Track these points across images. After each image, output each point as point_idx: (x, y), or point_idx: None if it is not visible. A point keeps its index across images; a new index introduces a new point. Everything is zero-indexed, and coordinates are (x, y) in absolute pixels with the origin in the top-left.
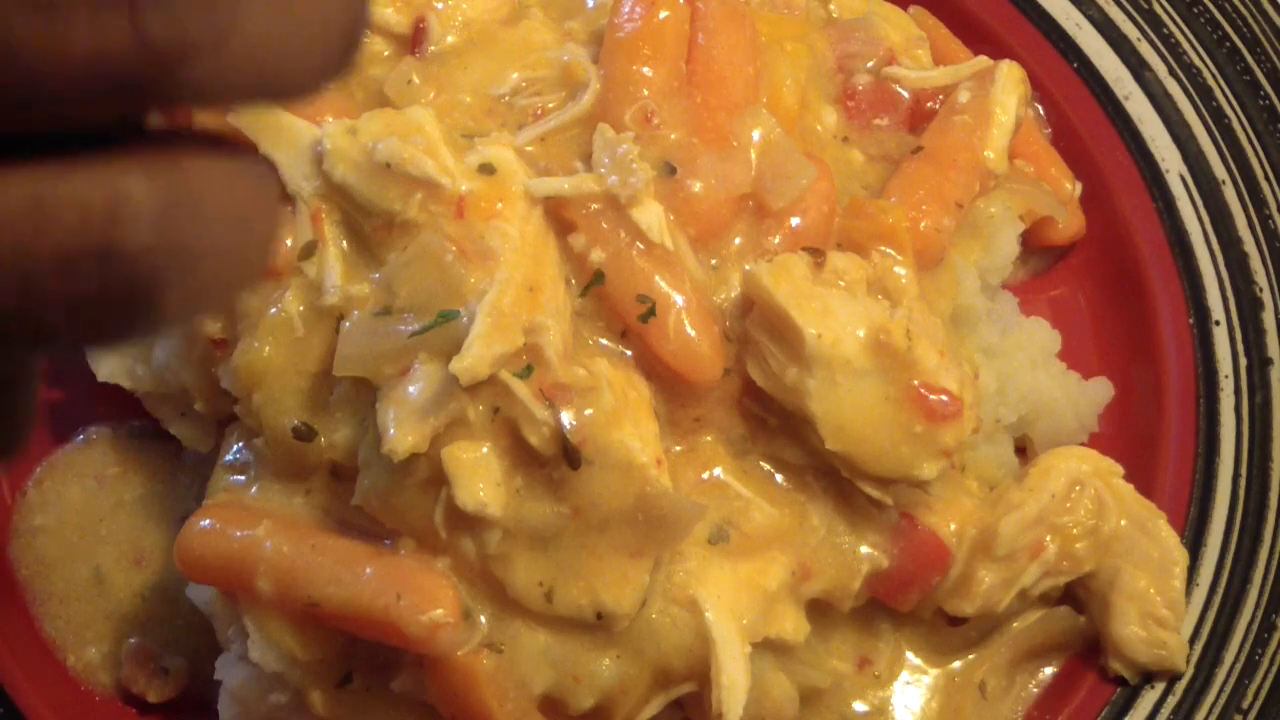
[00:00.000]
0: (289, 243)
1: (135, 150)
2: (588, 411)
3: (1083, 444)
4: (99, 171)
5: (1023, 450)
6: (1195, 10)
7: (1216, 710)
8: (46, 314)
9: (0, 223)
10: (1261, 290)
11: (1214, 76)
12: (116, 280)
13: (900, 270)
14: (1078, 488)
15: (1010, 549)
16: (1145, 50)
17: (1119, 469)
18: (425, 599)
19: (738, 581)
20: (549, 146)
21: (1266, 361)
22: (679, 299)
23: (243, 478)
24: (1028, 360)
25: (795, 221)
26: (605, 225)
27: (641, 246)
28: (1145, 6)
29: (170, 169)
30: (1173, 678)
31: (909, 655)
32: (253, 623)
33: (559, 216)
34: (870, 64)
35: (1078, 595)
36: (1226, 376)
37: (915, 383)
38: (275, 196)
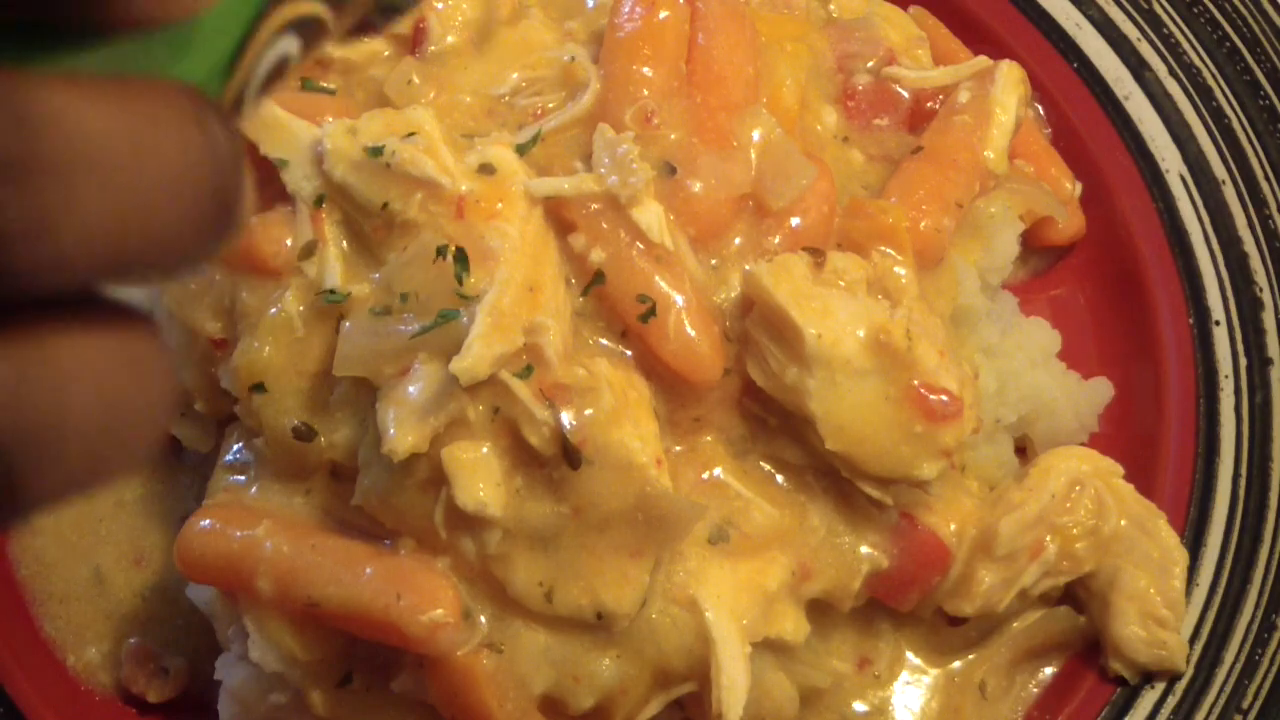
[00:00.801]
0: (289, 243)
1: None
2: (588, 411)
3: (1083, 444)
4: None
5: (1023, 450)
6: (1195, 10)
7: (1216, 710)
8: None
9: None
10: (1261, 290)
11: (1214, 76)
12: None
13: (900, 270)
14: (1078, 488)
15: (1010, 549)
16: (1145, 50)
17: (1119, 469)
18: (425, 599)
19: (738, 581)
20: (549, 146)
21: (1266, 361)
22: (679, 299)
23: (243, 478)
24: (1028, 360)
25: (795, 221)
26: (605, 225)
27: (641, 246)
28: (1145, 6)
29: (25, 347)
30: (1173, 678)
31: (909, 655)
32: (253, 623)
33: (559, 216)
34: (870, 64)
35: (1078, 595)
36: (1226, 376)
37: (915, 383)
38: (164, 369)
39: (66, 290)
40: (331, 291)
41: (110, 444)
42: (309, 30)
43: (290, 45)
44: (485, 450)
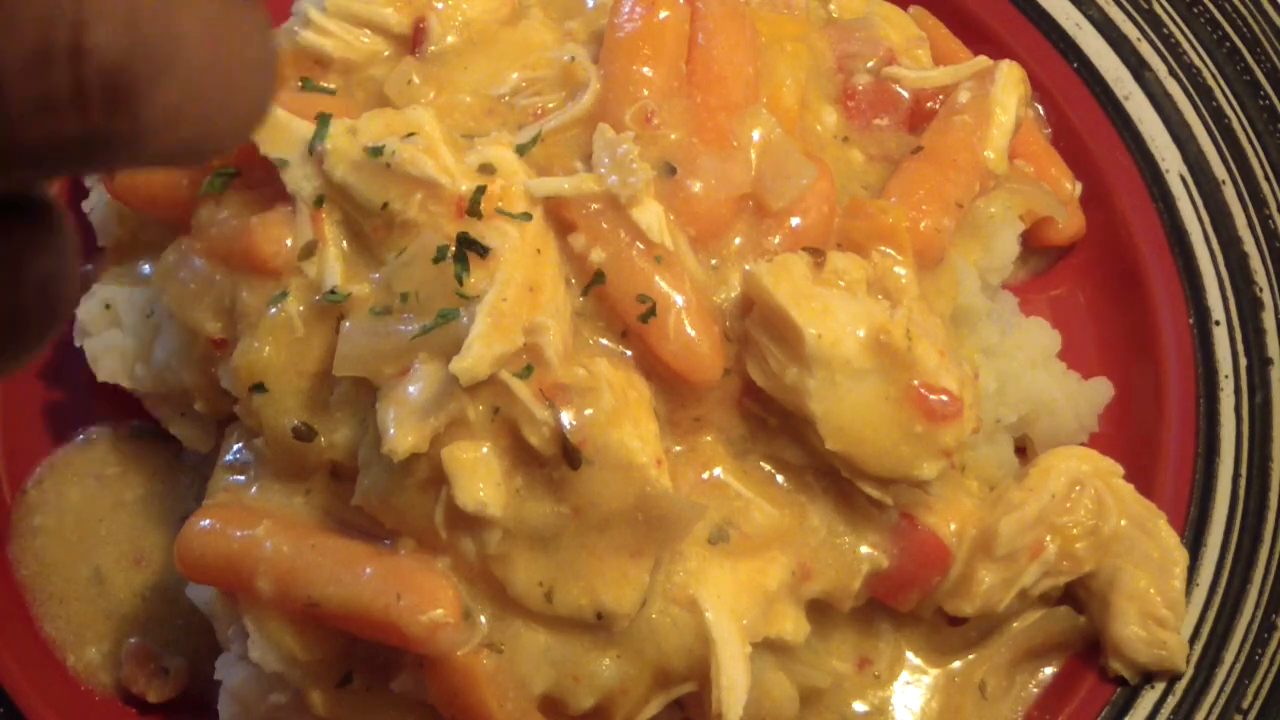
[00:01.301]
0: (289, 243)
1: None
2: (588, 411)
3: (1083, 444)
4: None
5: (1023, 450)
6: (1195, 10)
7: (1216, 710)
8: (21, 122)
9: None
10: (1261, 290)
11: (1214, 76)
12: (90, 78)
13: (900, 270)
14: (1078, 488)
15: (1010, 549)
16: (1145, 50)
17: (1119, 469)
18: (425, 599)
19: (738, 581)
20: (549, 146)
21: (1266, 361)
22: (679, 299)
23: (243, 478)
24: (1028, 360)
25: (795, 221)
26: (605, 225)
27: (641, 246)
28: (1145, 6)
29: None
30: (1173, 678)
31: (909, 655)
32: (253, 623)
33: (559, 216)
34: (870, 64)
35: (1078, 595)
36: (1226, 376)
37: (915, 383)
38: (266, 31)
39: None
40: (332, 291)
41: (216, 85)
42: None
43: None
44: (485, 450)
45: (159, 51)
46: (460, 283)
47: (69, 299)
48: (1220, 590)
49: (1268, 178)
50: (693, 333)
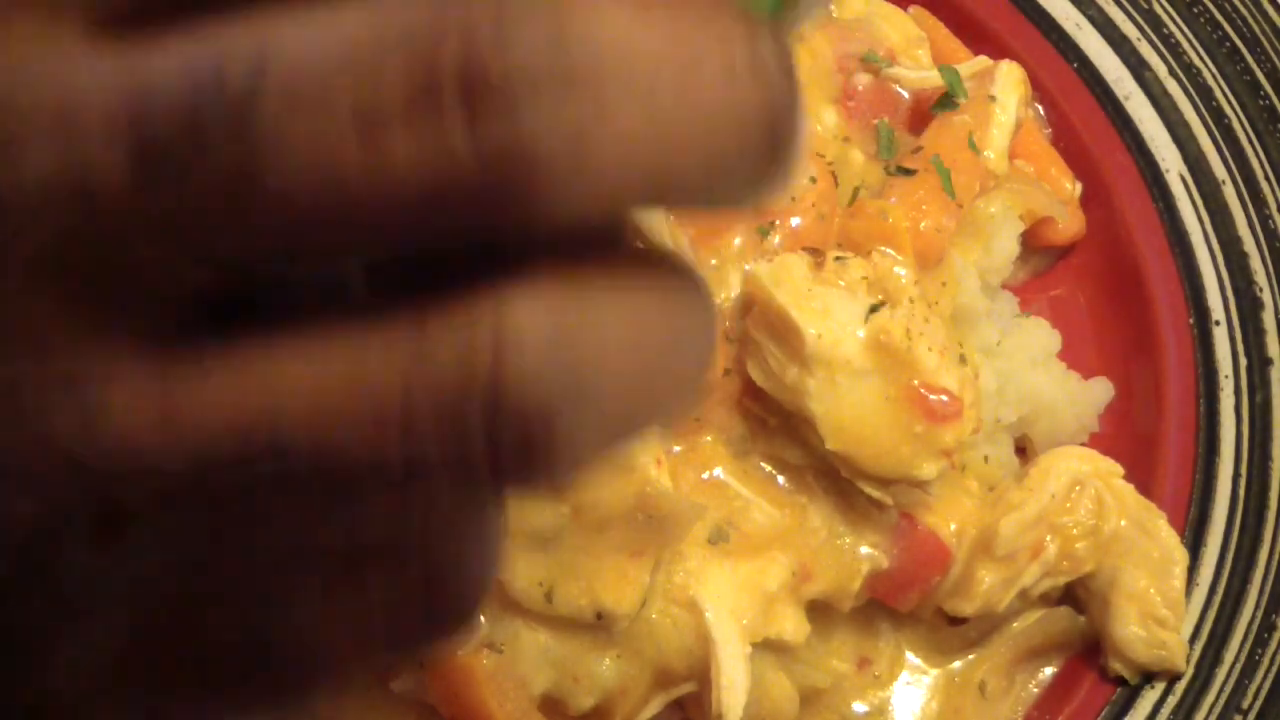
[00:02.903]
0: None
1: (526, 269)
2: None
3: (1083, 444)
4: (479, 302)
5: (1023, 450)
6: (1195, 10)
7: (1216, 710)
8: (430, 468)
9: (376, 370)
10: (1261, 290)
11: (1214, 76)
12: (506, 422)
13: (900, 270)
14: (1078, 488)
15: (1010, 549)
16: (1145, 50)
17: (1119, 469)
18: None
19: (738, 581)
20: None
21: (1266, 361)
22: None
23: None
24: (1028, 360)
25: (795, 221)
26: None
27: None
28: (1145, 6)
29: (561, 288)
30: (1173, 678)
31: (909, 655)
32: None
33: None
34: (871, 60)
35: (1078, 595)
36: (1226, 376)
37: (915, 383)
38: (707, 322)
39: (597, 219)
40: None
41: (645, 398)
42: None
43: None
44: None
45: (583, 383)
46: None
47: (471, 604)
48: (1220, 590)
49: (1268, 178)
50: None
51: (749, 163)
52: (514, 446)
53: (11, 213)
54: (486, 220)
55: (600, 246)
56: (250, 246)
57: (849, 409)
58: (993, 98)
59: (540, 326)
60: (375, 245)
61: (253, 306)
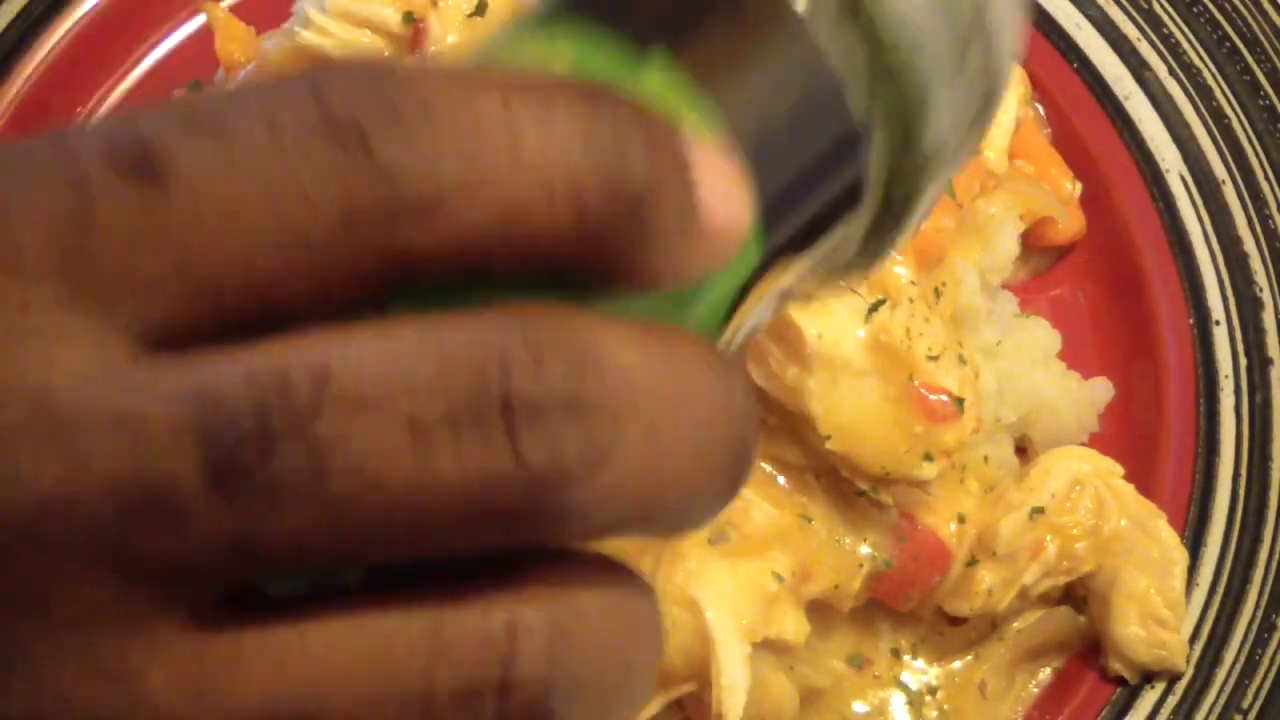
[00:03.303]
0: None
1: (521, 573)
2: None
3: (1083, 444)
4: (496, 599)
5: (1023, 450)
6: (1195, 10)
7: (1216, 710)
8: None
9: (401, 655)
10: (1261, 290)
11: (1214, 76)
12: (514, 710)
13: (900, 270)
14: (1078, 488)
15: (1010, 549)
16: (1145, 50)
17: (1119, 469)
18: None
19: (738, 581)
20: None
21: (1266, 361)
22: None
23: None
24: (1028, 360)
25: None
26: None
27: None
28: (1145, 6)
29: (558, 594)
30: (1173, 678)
31: (909, 655)
32: None
33: None
34: None
35: (1078, 595)
36: (1226, 376)
37: (915, 382)
38: (658, 626)
39: (590, 537)
40: None
41: (615, 696)
42: (783, 299)
43: (765, 315)
44: None
45: (576, 678)
46: None
47: None
48: (1220, 590)
49: (1268, 178)
50: None
51: (719, 493)
52: None
53: (80, 508)
54: (520, 526)
55: (573, 558)
56: (310, 553)
57: (849, 409)
58: None
59: (545, 621)
60: (418, 548)
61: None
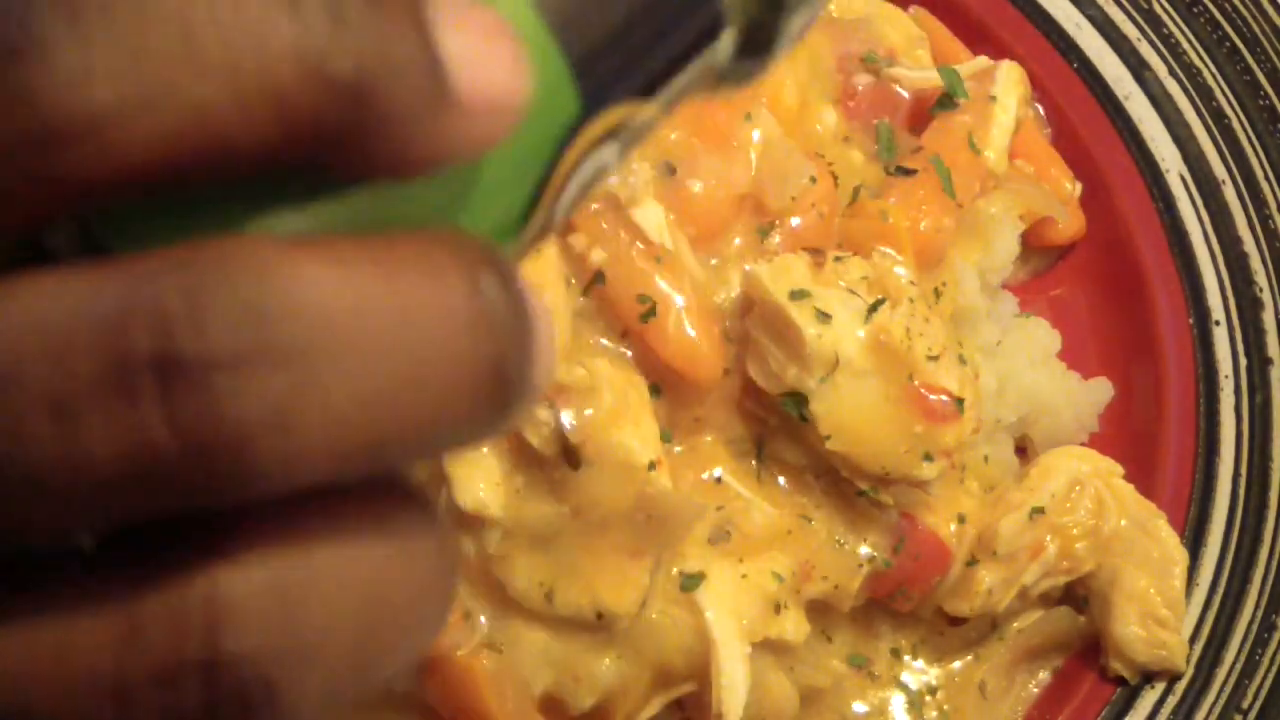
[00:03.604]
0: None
1: (242, 530)
2: (588, 412)
3: (1083, 444)
4: (200, 568)
5: (1023, 450)
6: (1195, 10)
7: (1216, 710)
8: None
9: (88, 645)
10: (1261, 290)
11: (1214, 76)
12: (224, 689)
13: (900, 270)
14: (1078, 488)
15: (1010, 549)
16: (1145, 50)
17: (1119, 469)
18: None
19: (738, 581)
20: None
21: (1266, 361)
22: (679, 299)
23: None
24: (1028, 360)
25: (795, 221)
26: (605, 225)
27: (641, 246)
28: (1145, 6)
29: (277, 552)
30: (1173, 678)
31: (909, 655)
32: None
33: None
34: (870, 61)
35: (1078, 595)
36: (1226, 376)
37: (915, 383)
38: (431, 565)
39: (317, 483)
40: None
41: (372, 646)
42: (631, 132)
43: (608, 154)
44: (485, 450)
45: (300, 648)
46: None
47: None
48: (1220, 590)
49: (1268, 178)
50: (693, 333)
51: (481, 411)
52: (234, 714)
53: None
54: (194, 496)
55: (328, 494)
56: None
57: (849, 409)
58: (993, 98)
59: (255, 589)
60: (77, 521)
61: None
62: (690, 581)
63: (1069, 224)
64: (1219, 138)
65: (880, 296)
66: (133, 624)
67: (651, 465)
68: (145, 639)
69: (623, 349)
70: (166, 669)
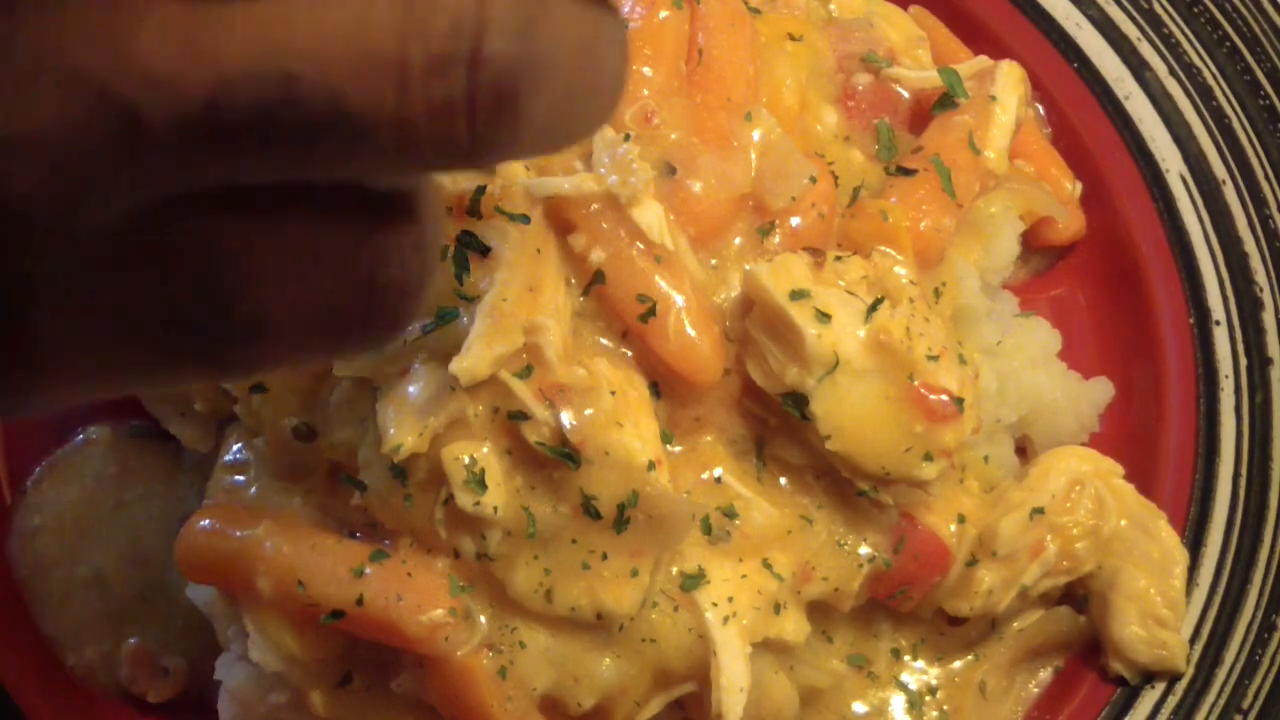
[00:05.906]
0: None
1: None
2: (588, 411)
3: (1083, 444)
4: None
5: (1023, 450)
6: (1195, 10)
7: (1216, 710)
8: (418, 119)
9: (376, 26)
10: (1261, 290)
11: (1214, 76)
12: (482, 85)
13: (900, 270)
14: (1078, 488)
15: (1010, 549)
16: (1145, 50)
17: (1119, 469)
18: (425, 599)
19: (738, 581)
20: None
21: (1266, 361)
22: (679, 299)
23: (242, 478)
24: (1028, 360)
25: (795, 221)
26: (605, 225)
27: (641, 246)
28: (1145, 6)
29: None
30: (1173, 678)
31: (909, 655)
32: (253, 623)
33: (559, 216)
34: (870, 60)
35: (1078, 595)
36: (1226, 376)
37: (915, 383)
38: (624, 48)
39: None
40: None
41: (582, 93)
42: None
43: None
44: (485, 450)
45: (542, 62)
46: (460, 283)
47: (406, 312)
48: (1220, 590)
49: (1268, 178)
50: (693, 333)
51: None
52: (488, 109)
53: None
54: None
55: None
56: None
57: (849, 409)
58: (993, 98)
59: (512, 15)
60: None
61: None
62: (690, 581)
63: (1069, 224)
64: (1219, 137)
65: (880, 296)
66: (415, 15)
67: (651, 465)
68: (425, 27)
69: (623, 349)
70: (442, 57)
